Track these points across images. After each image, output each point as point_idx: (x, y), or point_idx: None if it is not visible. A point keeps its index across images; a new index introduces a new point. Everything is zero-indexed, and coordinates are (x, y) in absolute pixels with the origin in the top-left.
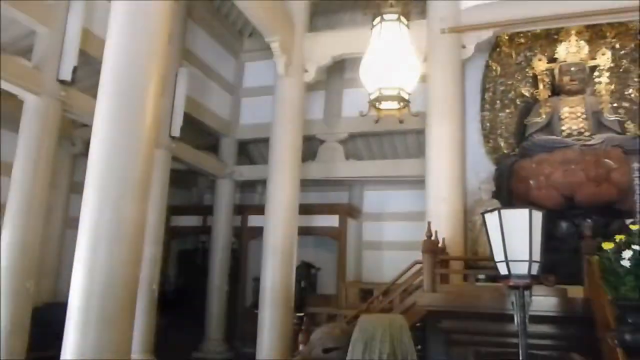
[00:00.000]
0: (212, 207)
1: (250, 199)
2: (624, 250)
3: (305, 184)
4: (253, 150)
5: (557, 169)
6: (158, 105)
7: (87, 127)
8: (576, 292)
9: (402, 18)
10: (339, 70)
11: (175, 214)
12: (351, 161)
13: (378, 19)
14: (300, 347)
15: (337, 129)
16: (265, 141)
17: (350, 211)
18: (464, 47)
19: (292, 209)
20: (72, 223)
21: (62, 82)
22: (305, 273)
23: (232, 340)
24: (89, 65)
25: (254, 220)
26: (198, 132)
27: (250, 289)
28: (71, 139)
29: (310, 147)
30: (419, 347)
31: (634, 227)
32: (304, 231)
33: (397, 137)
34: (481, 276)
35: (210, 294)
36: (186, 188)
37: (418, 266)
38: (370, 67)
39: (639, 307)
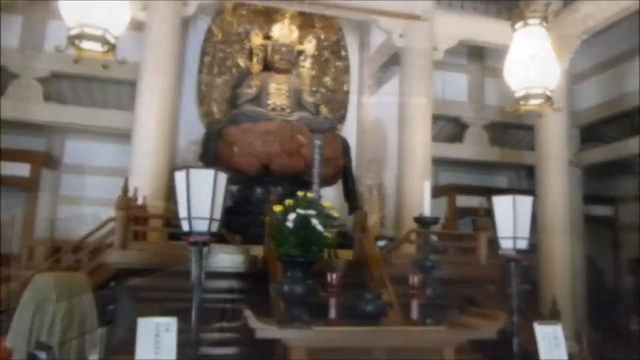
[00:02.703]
0: None
1: None
2: (290, 213)
3: None
4: None
5: (258, 138)
6: None
7: None
8: (260, 251)
9: None
10: None
11: None
12: (52, 104)
13: None
14: None
15: (37, 65)
16: None
17: (46, 161)
18: (185, 4)
19: None
20: None
21: None
22: None
23: None
24: None
25: None
26: None
27: None
28: None
29: None
30: (112, 307)
31: (300, 194)
32: None
33: (110, 86)
34: None
35: None
36: None
37: (113, 223)
38: None
39: (297, 262)
